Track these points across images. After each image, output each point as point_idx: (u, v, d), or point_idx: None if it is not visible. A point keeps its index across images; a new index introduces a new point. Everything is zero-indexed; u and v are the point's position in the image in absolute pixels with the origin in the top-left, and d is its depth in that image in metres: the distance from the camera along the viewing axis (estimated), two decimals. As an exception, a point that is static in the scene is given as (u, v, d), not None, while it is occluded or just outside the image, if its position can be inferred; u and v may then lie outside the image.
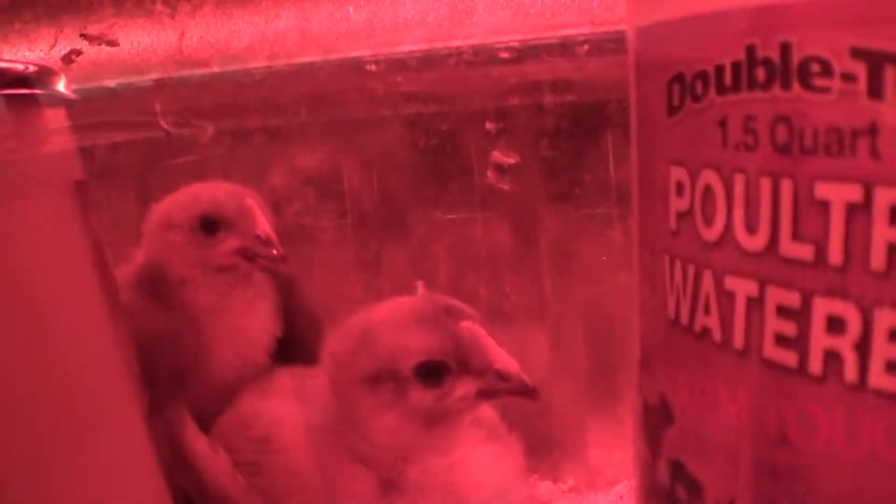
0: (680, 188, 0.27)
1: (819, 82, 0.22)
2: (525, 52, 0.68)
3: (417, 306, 0.51)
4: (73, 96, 0.50)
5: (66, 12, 0.77)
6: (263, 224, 0.61)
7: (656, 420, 0.31)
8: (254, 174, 0.74)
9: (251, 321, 0.64)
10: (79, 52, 0.77)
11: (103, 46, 0.76)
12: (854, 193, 0.22)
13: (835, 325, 0.23)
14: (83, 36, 0.76)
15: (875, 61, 0.21)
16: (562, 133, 0.68)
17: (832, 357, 0.23)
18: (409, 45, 0.70)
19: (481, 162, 0.70)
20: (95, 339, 0.50)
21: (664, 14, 0.27)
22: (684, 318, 0.28)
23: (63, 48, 0.77)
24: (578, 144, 0.68)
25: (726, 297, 0.26)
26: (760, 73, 0.24)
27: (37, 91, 0.46)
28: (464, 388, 0.49)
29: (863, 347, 0.22)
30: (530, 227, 0.71)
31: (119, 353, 0.51)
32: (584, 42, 0.66)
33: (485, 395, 0.49)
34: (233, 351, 0.63)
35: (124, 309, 0.53)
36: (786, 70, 0.23)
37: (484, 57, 0.69)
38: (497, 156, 0.70)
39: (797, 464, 0.25)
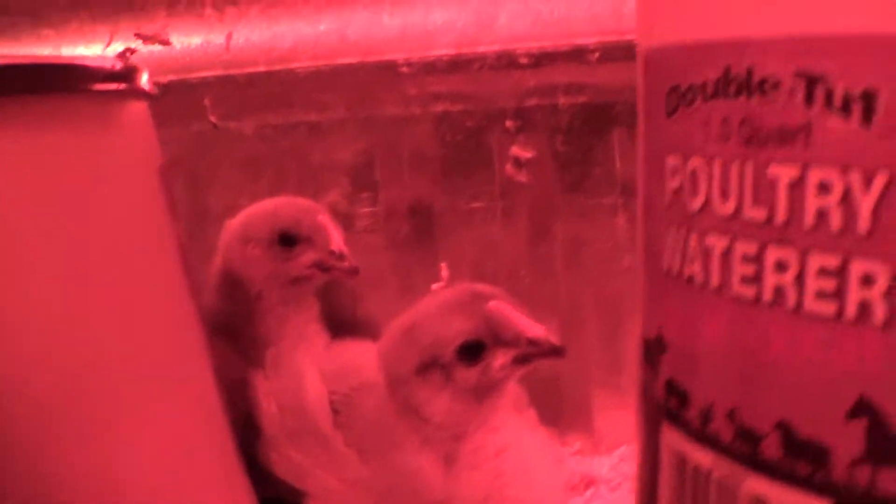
0: (674, 171, 0.38)
1: (772, 93, 0.33)
2: (542, 58, 0.75)
3: (448, 297, 0.59)
4: (154, 91, 0.57)
5: (121, 13, 0.85)
6: (337, 240, 0.69)
7: (654, 349, 0.41)
8: (295, 165, 0.83)
9: (306, 349, 0.71)
10: (133, 51, 0.86)
11: (156, 46, 0.85)
12: (794, 172, 0.33)
13: (781, 266, 0.34)
14: (138, 35, 0.84)
15: (810, 80, 0.32)
16: (574, 131, 0.76)
17: (779, 289, 0.34)
18: (439, 50, 0.77)
19: (502, 156, 0.78)
20: (177, 312, 0.57)
21: (665, 40, 0.38)
22: (675, 269, 0.39)
23: (117, 46, 0.86)
24: (589, 141, 0.76)
25: (706, 251, 0.37)
26: (732, 87, 0.34)
27: (124, 87, 0.53)
28: (501, 358, 0.57)
29: (799, 281, 0.33)
30: (545, 215, 0.79)
31: (195, 327, 0.59)
32: (595, 50, 0.74)
33: (520, 360, 0.57)
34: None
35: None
36: (749, 84, 0.34)
37: (505, 61, 0.76)
38: (516, 150, 0.78)
39: (756, 371, 0.36)
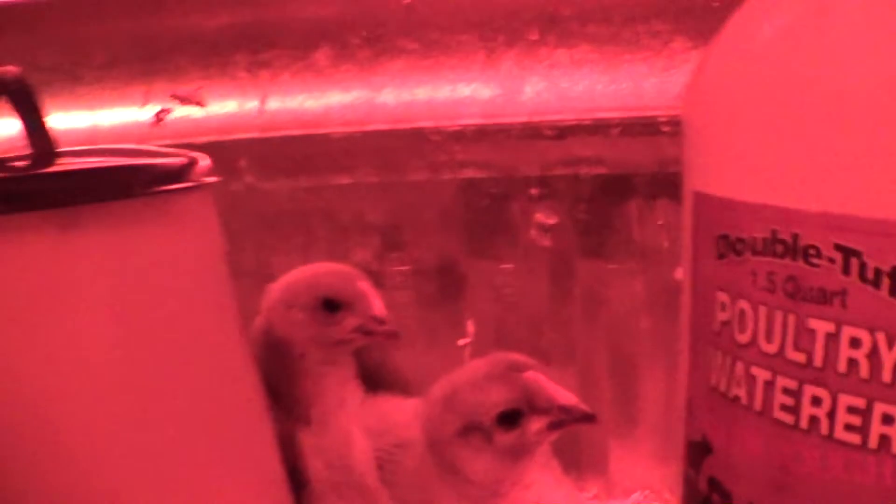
0: (723, 306, 0.46)
1: (814, 260, 0.41)
2: (565, 131, 0.81)
3: (488, 367, 0.65)
4: (215, 179, 0.62)
5: (156, 73, 0.90)
6: (378, 305, 0.73)
7: (699, 450, 0.49)
8: (327, 225, 0.88)
9: (348, 406, 0.77)
10: (168, 111, 0.90)
11: (192, 107, 0.90)
12: (830, 327, 0.41)
13: (816, 401, 0.41)
14: (173, 97, 0.89)
15: (847, 253, 0.40)
16: (595, 199, 0.81)
17: (814, 419, 0.42)
18: (467, 120, 0.83)
19: (525, 222, 0.84)
20: (240, 378, 0.64)
21: (715, 191, 0.46)
22: (722, 387, 0.46)
23: (153, 107, 0.90)
24: (608, 210, 0.81)
25: (751, 379, 0.44)
26: (779, 248, 0.42)
27: (189, 184, 0.58)
28: (536, 424, 0.63)
29: (831, 414, 0.41)
30: (566, 278, 0.84)
31: (260, 400, 0.65)
32: (617, 124, 0.79)
33: (554, 426, 0.63)
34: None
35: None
36: (795, 249, 0.41)
37: (530, 132, 0.81)
38: (539, 217, 0.83)
39: (792, 482, 0.43)
